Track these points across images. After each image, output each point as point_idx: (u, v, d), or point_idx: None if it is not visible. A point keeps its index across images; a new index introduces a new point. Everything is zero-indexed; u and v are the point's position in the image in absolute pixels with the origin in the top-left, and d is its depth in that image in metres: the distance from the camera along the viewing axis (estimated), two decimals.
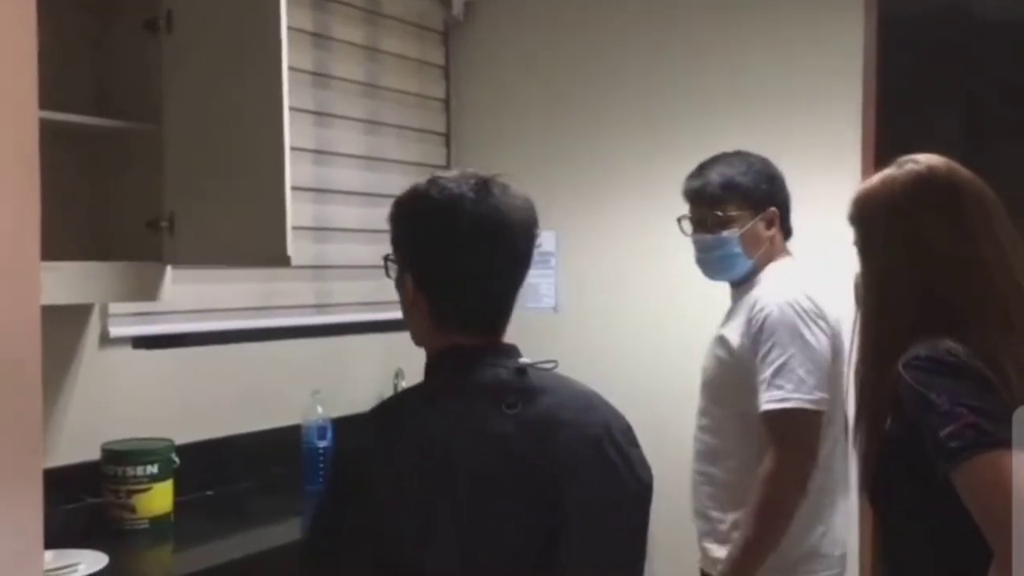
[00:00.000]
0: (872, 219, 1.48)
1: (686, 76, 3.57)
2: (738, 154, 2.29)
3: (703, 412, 2.22)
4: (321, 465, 3.09)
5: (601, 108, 3.71)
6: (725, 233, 2.17)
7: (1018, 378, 1.34)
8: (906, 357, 1.37)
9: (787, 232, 2.27)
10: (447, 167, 4.08)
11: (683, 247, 2.42)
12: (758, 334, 2.04)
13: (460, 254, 1.34)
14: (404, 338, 4.26)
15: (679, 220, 2.32)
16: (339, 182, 3.54)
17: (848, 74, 3.24)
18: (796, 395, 1.98)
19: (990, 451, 1.26)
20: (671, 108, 3.55)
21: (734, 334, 2.12)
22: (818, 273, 2.26)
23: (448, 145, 4.08)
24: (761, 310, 2.06)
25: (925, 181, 1.45)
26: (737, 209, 2.17)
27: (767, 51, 3.41)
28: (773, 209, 2.20)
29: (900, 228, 1.44)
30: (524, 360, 1.32)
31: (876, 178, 1.52)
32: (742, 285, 2.21)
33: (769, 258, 2.19)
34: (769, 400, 2.01)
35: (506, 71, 3.98)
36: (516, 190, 1.38)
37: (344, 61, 3.57)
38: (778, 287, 2.11)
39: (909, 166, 1.48)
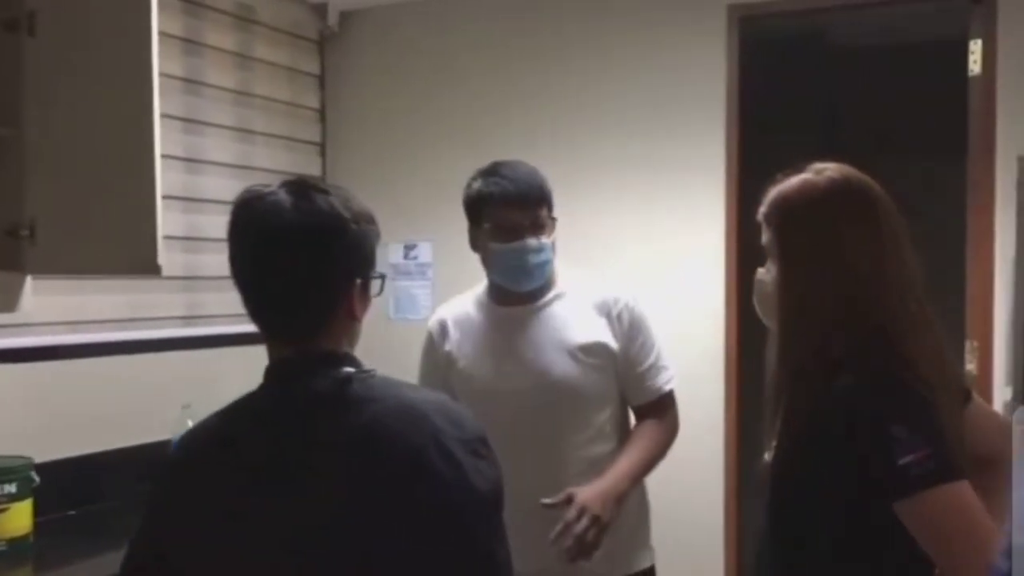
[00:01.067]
0: (792, 224, 1.48)
1: (558, 90, 3.66)
2: (518, 161, 2.16)
3: (582, 424, 2.11)
4: None
5: (475, 121, 3.76)
6: (545, 239, 2.08)
7: (943, 395, 1.39)
8: (846, 379, 1.38)
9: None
10: (322, 177, 4.05)
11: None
12: (630, 329, 2.12)
13: (233, 255, 1.33)
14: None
15: (483, 228, 2.11)
16: (210, 191, 3.46)
17: (712, 93, 3.40)
18: (672, 369, 2.20)
19: (954, 482, 1.30)
20: (545, 121, 3.63)
21: (604, 336, 2.11)
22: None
23: (324, 155, 4.05)
24: (624, 305, 2.13)
25: (844, 191, 1.47)
26: (549, 213, 2.12)
27: (636, 68, 3.54)
28: (555, 217, 2.15)
29: (821, 236, 1.45)
30: (347, 369, 1.28)
31: (794, 182, 1.51)
32: (538, 294, 2.14)
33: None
34: (667, 380, 2.17)
35: (382, 81, 3.98)
36: (319, 194, 1.30)
37: (216, 68, 3.50)
38: (606, 286, 2.19)
39: (828, 174, 1.49)
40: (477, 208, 2.11)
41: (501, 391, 2.06)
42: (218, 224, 3.42)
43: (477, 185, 2.11)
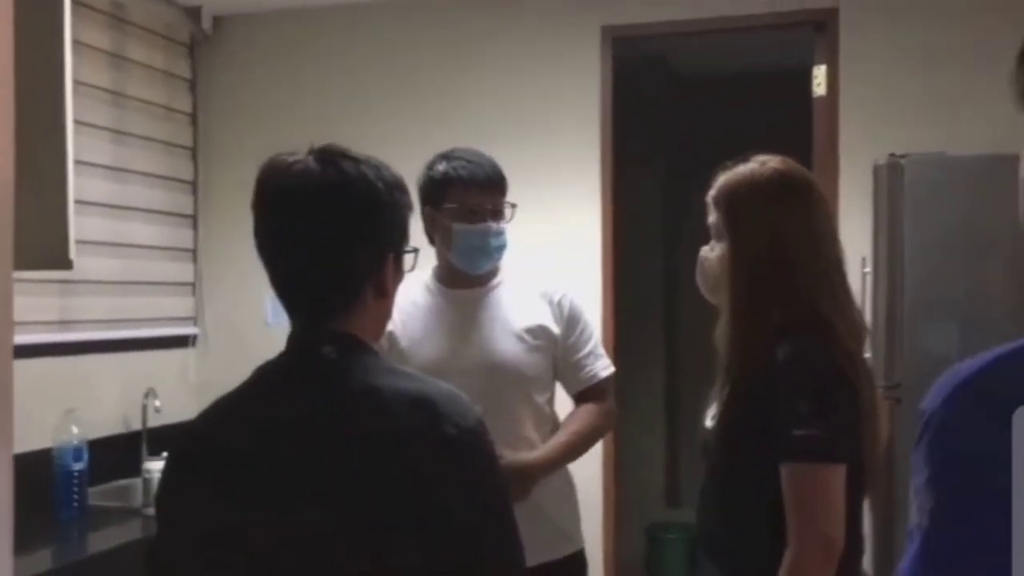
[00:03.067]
0: (740, 207, 1.63)
1: (434, 98, 3.78)
2: (472, 150, 2.25)
3: (527, 404, 2.19)
4: (76, 488, 2.91)
5: (345, 127, 3.79)
6: (504, 224, 2.19)
7: (865, 372, 1.60)
8: (783, 352, 1.54)
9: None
10: (194, 182, 3.99)
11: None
12: (570, 318, 2.23)
13: (257, 225, 1.28)
14: (155, 356, 4.15)
15: (444, 209, 2.16)
16: (84, 193, 3.35)
17: (586, 108, 3.61)
18: (610, 363, 2.31)
19: (829, 464, 1.50)
20: (418, 129, 3.68)
21: (547, 321, 2.21)
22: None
23: (195, 159, 3.99)
24: (564, 295, 2.25)
25: (786, 179, 1.64)
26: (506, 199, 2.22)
27: (512, 82, 3.70)
28: (515, 205, 2.24)
29: (766, 218, 1.61)
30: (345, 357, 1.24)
31: (741, 170, 1.66)
32: (486, 278, 2.23)
33: None
34: (604, 367, 2.28)
35: (254, 86, 3.97)
36: (348, 162, 1.24)
37: (88, 66, 3.40)
38: (548, 276, 2.32)
39: (771, 164, 1.65)
40: (441, 188, 2.17)
41: (451, 370, 2.10)
42: (90, 227, 3.36)
43: (442, 167, 2.18)
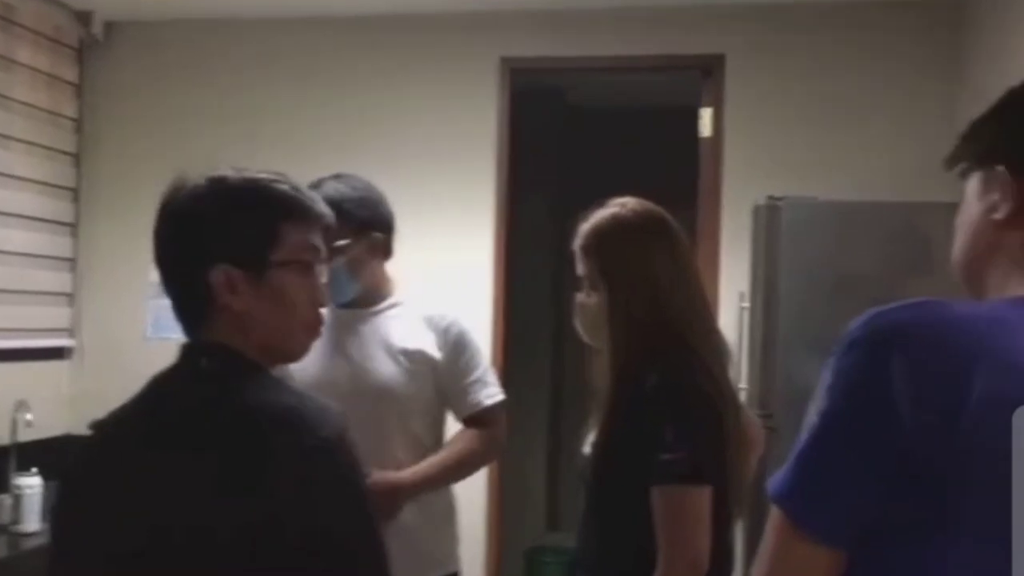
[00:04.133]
0: (612, 254, 1.72)
1: (325, 117, 3.78)
2: (338, 177, 2.26)
3: (400, 426, 2.22)
4: None
5: (236, 141, 3.73)
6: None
7: (730, 396, 1.70)
8: (651, 379, 1.63)
9: (388, 253, 2.31)
10: (76, 189, 3.87)
11: None
12: (457, 345, 2.25)
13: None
14: (28, 368, 4.04)
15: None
16: None
17: (483, 140, 3.68)
18: (499, 388, 2.32)
19: (695, 486, 1.59)
20: (312, 152, 3.64)
21: (428, 347, 2.22)
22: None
23: (79, 166, 3.87)
24: (453, 323, 2.26)
25: (648, 220, 1.74)
26: (341, 236, 2.12)
27: (412, 108, 3.74)
28: (377, 235, 2.24)
29: (635, 259, 1.70)
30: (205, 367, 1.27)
31: (606, 215, 1.75)
32: (371, 301, 2.25)
33: (376, 280, 2.27)
34: (491, 395, 2.28)
35: (144, 94, 3.90)
36: (236, 175, 1.29)
37: None
38: (438, 303, 2.33)
39: (631, 207, 1.74)
40: None
41: (325, 387, 2.09)
42: None
43: None
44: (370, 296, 2.25)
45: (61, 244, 3.81)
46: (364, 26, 3.77)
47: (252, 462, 1.19)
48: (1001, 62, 3.08)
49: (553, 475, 5.32)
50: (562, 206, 5.09)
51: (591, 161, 5.00)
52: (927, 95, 3.46)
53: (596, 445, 1.72)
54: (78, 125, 3.87)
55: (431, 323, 2.25)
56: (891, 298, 1.02)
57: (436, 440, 2.30)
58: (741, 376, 3.17)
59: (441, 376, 2.23)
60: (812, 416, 0.97)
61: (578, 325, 1.83)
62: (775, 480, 0.98)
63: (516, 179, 3.76)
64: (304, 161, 3.62)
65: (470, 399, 2.26)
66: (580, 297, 1.80)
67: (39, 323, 3.69)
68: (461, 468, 2.27)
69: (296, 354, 1.36)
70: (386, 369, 2.20)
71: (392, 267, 2.32)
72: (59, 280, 3.81)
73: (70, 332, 3.84)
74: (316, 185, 2.18)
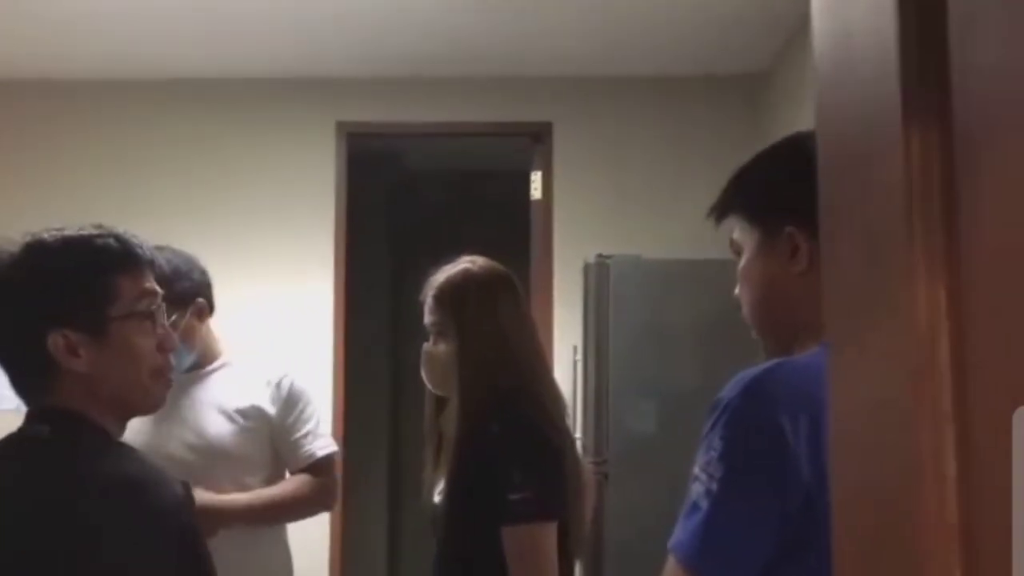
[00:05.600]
0: (464, 305, 1.83)
1: (170, 185, 3.75)
2: (154, 248, 2.34)
3: (236, 485, 2.23)
4: None
5: (72, 204, 3.60)
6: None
7: (568, 437, 1.84)
8: (496, 425, 1.74)
9: (211, 310, 2.36)
10: None
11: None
12: (289, 399, 2.28)
13: None
14: None
15: None
16: None
17: (324, 201, 3.75)
18: (332, 440, 2.39)
19: (543, 523, 1.69)
20: (173, 215, 3.62)
21: (262, 402, 2.25)
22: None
23: None
24: (285, 376, 2.30)
25: (496, 276, 1.87)
26: (169, 310, 2.21)
27: (251, 173, 3.77)
28: (201, 300, 2.28)
29: (485, 312, 1.82)
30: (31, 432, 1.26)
31: (458, 270, 1.86)
32: (201, 363, 2.28)
33: (206, 343, 2.30)
34: (323, 446, 2.32)
35: None
36: (31, 243, 1.28)
37: None
38: (270, 359, 2.41)
39: (480, 263, 1.88)
40: None
41: (161, 449, 2.10)
42: None
43: None
44: (201, 359, 2.28)
45: None
46: (205, 89, 3.79)
47: (88, 529, 1.19)
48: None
49: (394, 537, 5.33)
50: (399, 264, 5.20)
51: (426, 221, 5.14)
52: (730, 163, 3.78)
53: (446, 492, 1.80)
54: None
55: (264, 378, 2.30)
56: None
57: None
58: (576, 425, 3.33)
59: (275, 430, 2.27)
60: (707, 482, 1.04)
61: (425, 375, 1.92)
62: (680, 541, 1.05)
63: (356, 240, 3.84)
64: (140, 226, 3.59)
65: (303, 451, 2.30)
66: (427, 346, 1.89)
67: None
68: (288, 508, 2.28)
69: (149, 405, 1.36)
70: (221, 429, 2.23)
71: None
72: None
73: None
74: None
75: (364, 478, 4.80)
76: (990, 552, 0.48)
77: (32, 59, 3.59)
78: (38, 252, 1.26)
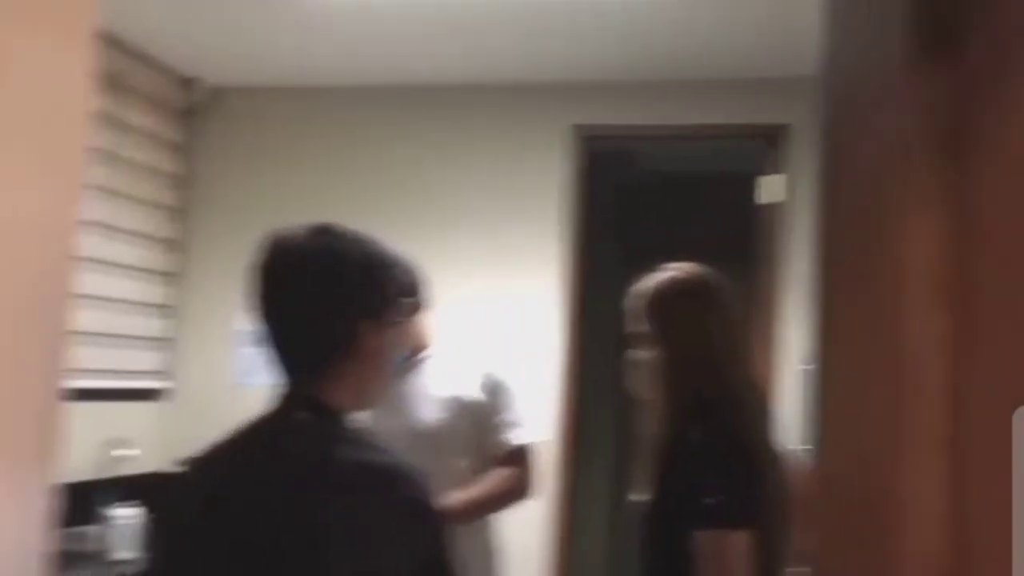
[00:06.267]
0: (671, 315, 1.87)
1: (415, 186, 4.01)
2: None
3: (443, 467, 2.32)
4: None
5: (331, 203, 3.97)
6: None
7: (771, 453, 1.82)
8: (696, 432, 1.77)
9: (427, 309, 2.51)
10: (180, 242, 4.15)
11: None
12: (492, 389, 2.44)
13: (252, 293, 1.37)
14: (128, 408, 4.23)
15: None
16: None
17: (553, 204, 3.87)
18: (536, 431, 2.52)
19: (736, 530, 1.70)
20: (398, 214, 3.87)
21: (467, 391, 2.41)
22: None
23: (184, 220, 4.16)
24: (489, 368, 2.47)
25: (704, 283, 1.90)
26: None
27: (485, 174, 3.96)
28: (413, 299, 2.39)
29: (695, 323, 1.85)
30: (309, 422, 1.32)
31: (665, 277, 1.91)
32: (414, 358, 2.43)
33: (418, 332, 2.45)
34: (523, 435, 2.46)
35: (245, 155, 4.18)
36: (338, 237, 1.36)
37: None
38: (477, 351, 2.57)
39: (686, 270, 1.91)
40: None
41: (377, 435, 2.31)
42: (81, 282, 3.46)
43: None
44: (412, 350, 2.45)
45: (164, 293, 4.08)
46: (443, 95, 4.01)
47: (351, 517, 1.25)
48: None
49: (615, 531, 5.38)
50: (629, 266, 5.23)
51: (655, 224, 5.15)
52: None
53: (648, 494, 1.84)
54: (182, 182, 4.16)
55: (468, 370, 2.47)
56: None
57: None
58: (804, 437, 3.24)
59: (477, 418, 2.42)
60: None
61: (633, 382, 1.97)
62: None
63: (585, 242, 3.92)
64: (379, 226, 3.87)
65: (503, 439, 2.44)
66: (635, 353, 1.94)
67: (140, 366, 3.95)
68: (490, 502, 2.42)
69: (378, 403, 1.47)
70: (428, 415, 2.40)
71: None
72: (159, 326, 4.07)
73: (167, 375, 4.09)
74: None
75: (587, 479, 4.90)
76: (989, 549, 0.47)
77: (282, 68, 3.95)
78: (363, 248, 1.37)
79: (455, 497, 2.31)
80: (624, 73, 3.76)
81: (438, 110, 4.04)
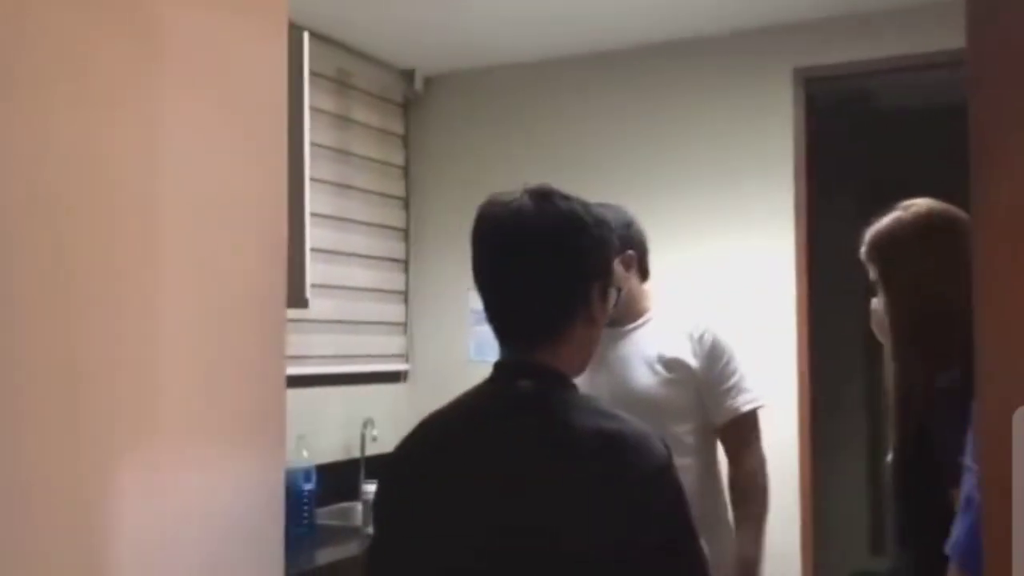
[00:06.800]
0: (887, 262, 1.72)
1: (633, 150, 3.93)
2: (599, 205, 2.44)
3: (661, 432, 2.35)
4: (306, 507, 3.22)
5: (549, 178, 3.98)
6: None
7: None
8: (940, 383, 1.60)
9: (644, 274, 2.44)
10: (406, 229, 4.32)
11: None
12: (712, 352, 2.34)
13: (474, 258, 1.36)
14: (373, 390, 4.43)
15: None
16: (313, 241, 3.71)
17: (780, 149, 3.66)
18: (759, 394, 2.38)
19: None
20: (622, 180, 3.85)
21: (685, 355, 2.32)
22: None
23: (407, 208, 4.33)
24: (707, 330, 2.36)
25: (928, 224, 1.71)
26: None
27: (709, 128, 3.81)
28: (631, 252, 2.35)
29: (913, 266, 1.69)
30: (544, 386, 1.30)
31: (885, 222, 1.75)
32: (627, 319, 2.36)
33: (632, 296, 2.36)
34: (747, 401, 2.35)
35: (461, 140, 4.28)
36: (561, 199, 1.34)
37: (317, 128, 3.79)
38: (696, 313, 2.44)
39: (913, 210, 1.73)
40: None
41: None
42: (321, 272, 3.71)
43: None
44: (628, 313, 2.38)
45: (395, 279, 4.27)
46: (654, 54, 3.90)
47: (591, 483, 1.21)
48: None
49: (876, 495, 5.08)
50: (871, 210, 4.89)
51: (899, 165, 4.76)
52: None
53: (893, 455, 1.70)
54: (405, 172, 4.33)
55: (686, 332, 2.37)
56: None
57: (703, 447, 2.37)
58: None
59: (700, 383, 2.33)
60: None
61: (874, 329, 1.82)
62: (956, 541, 1.04)
63: (814, 189, 3.69)
64: (606, 187, 3.83)
65: (728, 405, 2.34)
66: (873, 302, 1.80)
67: (380, 350, 4.16)
68: (762, 525, 2.36)
69: (587, 367, 1.41)
70: (646, 380, 2.33)
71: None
72: (395, 311, 4.27)
73: (405, 357, 4.28)
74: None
75: (840, 436, 4.65)
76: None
77: (515, 46, 3.98)
78: (588, 215, 1.34)
79: (741, 543, 2.32)
80: (843, 6, 3.49)
81: (647, 71, 3.93)
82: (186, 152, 1.48)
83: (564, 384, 1.32)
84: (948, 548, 0.98)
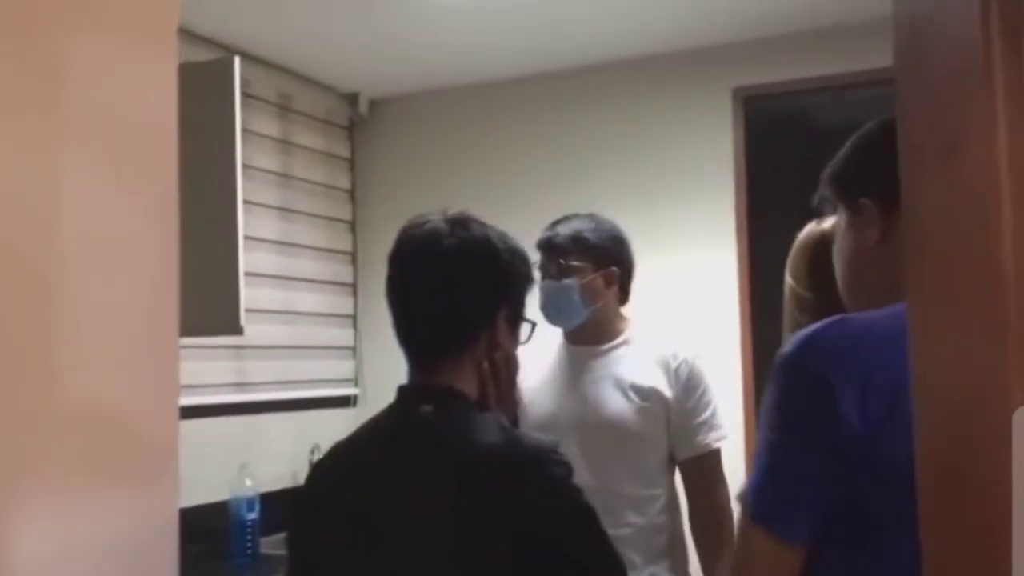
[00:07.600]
0: (801, 273, 1.78)
1: (572, 172, 3.95)
2: (590, 215, 2.43)
3: (630, 461, 2.26)
4: (249, 537, 3.17)
5: (490, 200, 3.96)
6: (568, 282, 2.29)
7: None
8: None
9: (624, 295, 2.40)
10: (353, 253, 4.30)
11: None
12: (688, 383, 2.27)
13: (389, 277, 1.43)
14: (320, 415, 4.41)
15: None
16: (254, 265, 3.69)
17: (719, 169, 3.70)
18: (726, 429, 2.33)
19: None
20: (563, 200, 3.82)
21: (660, 384, 2.26)
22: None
23: (354, 232, 4.31)
24: (685, 359, 2.29)
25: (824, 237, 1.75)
26: (580, 261, 2.31)
27: (646, 148, 3.84)
28: (613, 269, 2.34)
29: (820, 280, 1.66)
30: (430, 408, 1.32)
31: (801, 236, 1.80)
32: (603, 338, 2.33)
33: (608, 315, 2.34)
34: (717, 438, 2.29)
35: (406, 164, 4.27)
36: (476, 225, 1.39)
37: (257, 152, 3.77)
38: (675, 341, 2.36)
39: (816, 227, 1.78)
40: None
41: (559, 422, 2.23)
42: (265, 297, 3.68)
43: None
44: (602, 333, 2.34)
45: (343, 303, 4.24)
46: (596, 75, 3.93)
47: (489, 503, 1.24)
48: None
49: None
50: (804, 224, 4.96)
51: None
52: None
53: None
54: (351, 195, 4.31)
55: (663, 361, 2.30)
56: None
57: (667, 476, 2.31)
58: None
59: (672, 413, 2.26)
60: (766, 431, 1.10)
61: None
62: (746, 489, 1.12)
63: (753, 207, 3.73)
64: (549, 206, 3.84)
65: (697, 440, 2.27)
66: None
67: (328, 375, 4.12)
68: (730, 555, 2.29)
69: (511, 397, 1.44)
70: (617, 405, 2.26)
71: (634, 303, 2.41)
72: (343, 335, 4.24)
73: (354, 382, 4.25)
74: (568, 219, 2.40)
75: None
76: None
77: (429, 73, 3.99)
78: (507, 244, 1.39)
79: None
80: (781, 26, 3.55)
81: (589, 92, 3.96)
82: (74, 188, 1.45)
83: (465, 405, 1.34)
84: (739, 496, 1.15)
